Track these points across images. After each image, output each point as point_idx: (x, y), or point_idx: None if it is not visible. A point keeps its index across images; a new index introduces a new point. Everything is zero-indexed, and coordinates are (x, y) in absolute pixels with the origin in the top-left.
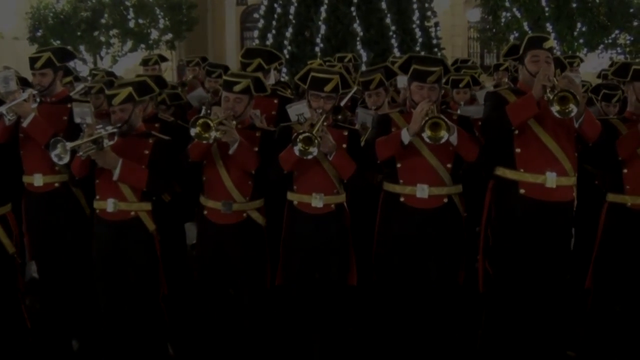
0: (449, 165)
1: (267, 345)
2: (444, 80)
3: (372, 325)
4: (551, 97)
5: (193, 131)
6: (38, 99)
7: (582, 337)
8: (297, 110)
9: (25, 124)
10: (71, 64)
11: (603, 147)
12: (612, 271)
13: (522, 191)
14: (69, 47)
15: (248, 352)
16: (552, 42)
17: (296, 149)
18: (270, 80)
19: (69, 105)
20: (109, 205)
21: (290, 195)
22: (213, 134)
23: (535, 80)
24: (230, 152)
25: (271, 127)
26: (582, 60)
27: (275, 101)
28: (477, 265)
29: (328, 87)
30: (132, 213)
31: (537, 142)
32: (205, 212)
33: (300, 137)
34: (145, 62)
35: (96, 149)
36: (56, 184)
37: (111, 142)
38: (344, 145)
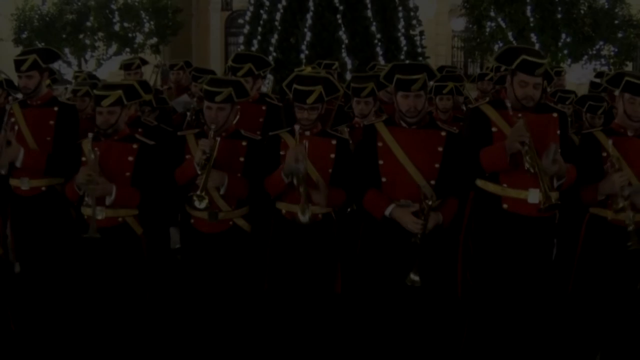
0: (432, 182)
1: (252, 350)
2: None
3: (355, 332)
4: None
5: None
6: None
7: (562, 345)
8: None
9: (18, 163)
10: (56, 66)
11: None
12: (591, 282)
13: (505, 206)
14: (51, 47)
15: (234, 356)
16: (544, 68)
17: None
18: (263, 87)
19: (55, 109)
20: (97, 212)
21: (278, 204)
22: (205, 201)
23: (510, 136)
24: (222, 192)
25: (257, 136)
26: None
27: (263, 108)
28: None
29: (310, 100)
30: (120, 219)
31: (521, 160)
32: (192, 221)
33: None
34: (127, 67)
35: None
36: (43, 188)
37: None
38: (332, 155)
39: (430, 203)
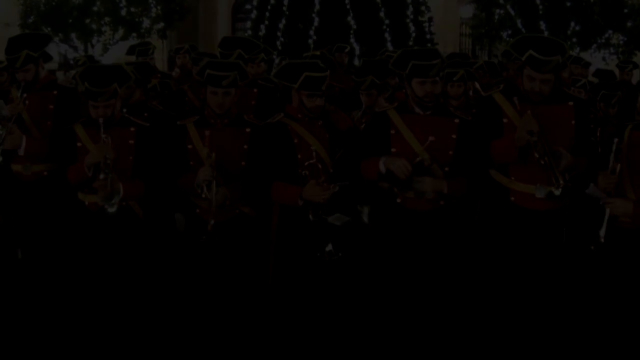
0: (446, 169)
1: (260, 342)
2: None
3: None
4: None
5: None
6: (24, 95)
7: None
8: None
9: (21, 152)
10: (62, 52)
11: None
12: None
13: (512, 199)
14: (34, 31)
15: (242, 349)
16: (555, 63)
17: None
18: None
19: (54, 92)
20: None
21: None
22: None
23: (518, 128)
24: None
25: (260, 122)
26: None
27: (255, 90)
28: None
29: (324, 85)
30: (123, 203)
31: (531, 154)
32: (198, 211)
33: None
34: (143, 53)
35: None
36: (45, 172)
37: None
38: (327, 135)
39: (426, 159)
